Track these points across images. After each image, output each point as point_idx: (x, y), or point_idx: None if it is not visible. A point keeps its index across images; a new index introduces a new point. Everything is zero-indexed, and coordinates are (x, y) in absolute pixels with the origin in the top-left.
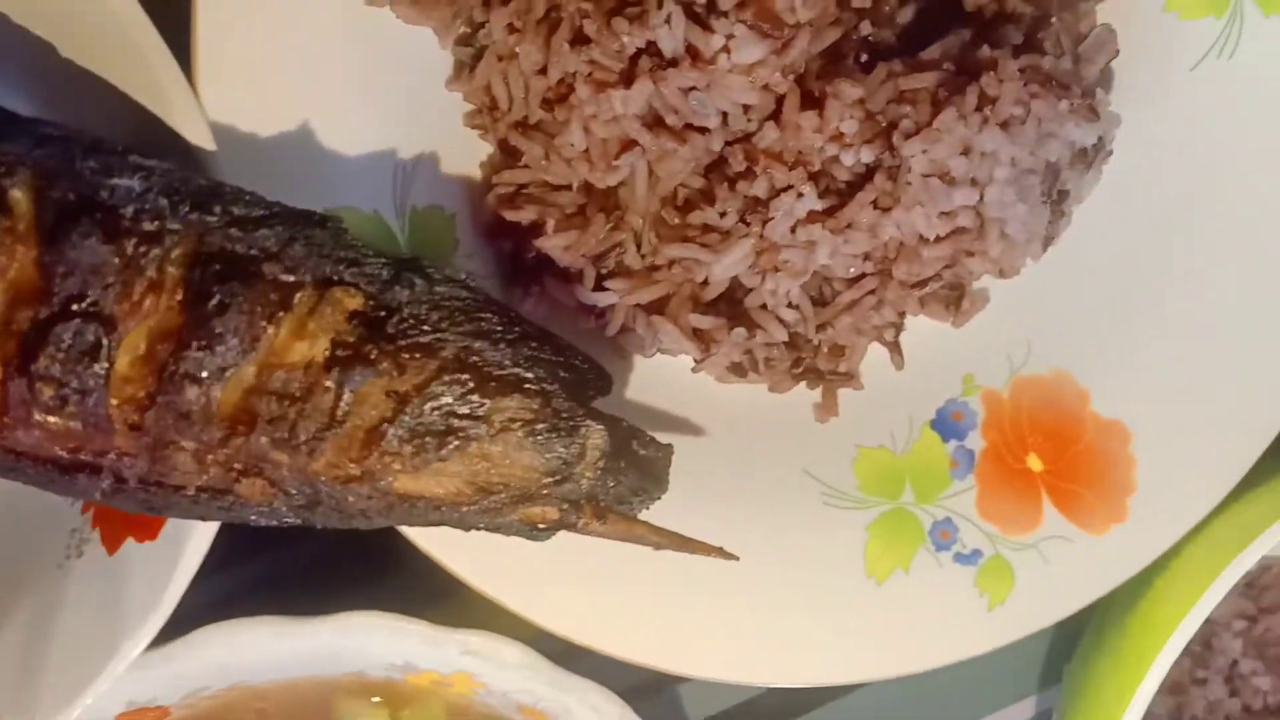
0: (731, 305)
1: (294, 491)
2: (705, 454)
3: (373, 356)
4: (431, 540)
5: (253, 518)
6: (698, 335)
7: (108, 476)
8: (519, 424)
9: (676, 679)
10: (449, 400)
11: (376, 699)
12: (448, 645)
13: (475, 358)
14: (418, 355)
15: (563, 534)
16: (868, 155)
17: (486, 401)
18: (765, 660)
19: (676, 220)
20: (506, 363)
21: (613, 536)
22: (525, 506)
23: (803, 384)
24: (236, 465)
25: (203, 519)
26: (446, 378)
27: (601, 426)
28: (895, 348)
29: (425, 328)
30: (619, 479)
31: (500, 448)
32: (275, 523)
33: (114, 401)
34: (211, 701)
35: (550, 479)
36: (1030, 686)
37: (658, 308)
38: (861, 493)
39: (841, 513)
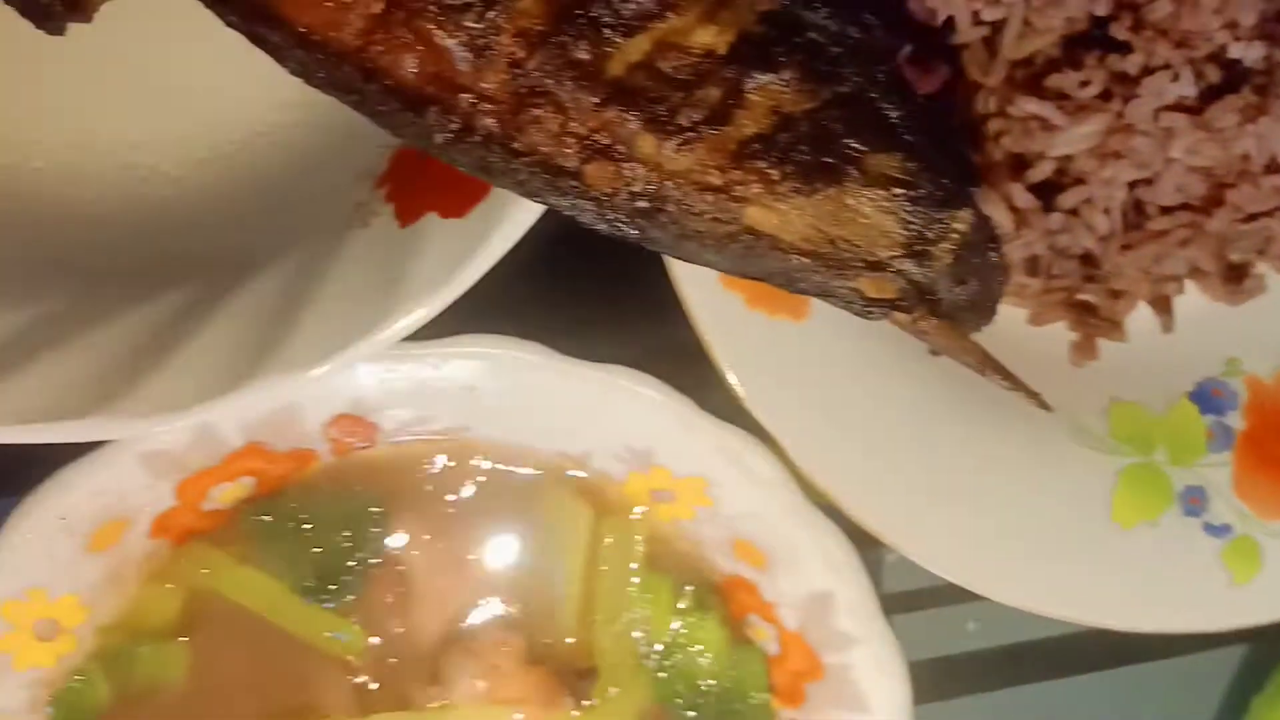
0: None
1: (640, 190)
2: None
3: (777, 62)
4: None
5: (583, 212)
6: (1013, 210)
7: (456, 121)
8: (892, 182)
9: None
10: (831, 134)
11: None
12: (703, 435)
13: (868, 103)
14: (814, 80)
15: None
16: (1255, 53)
17: (866, 150)
18: (996, 572)
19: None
20: (894, 118)
21: (937, 341)
22: (866, 275)
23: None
24: (596, 141)
25: (531, 197)
26: (836, 111)
27: (970, 212)
28: (1167, 308)
29: (824, 56)
30: (964, 281)
31: (864, 201)
32: (601, 225)
33: (508, 27)
34: (419, 445)
35: (902, 251)
36: (1211, 713)
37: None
38: (1113, 438)
39: (1091, 453)
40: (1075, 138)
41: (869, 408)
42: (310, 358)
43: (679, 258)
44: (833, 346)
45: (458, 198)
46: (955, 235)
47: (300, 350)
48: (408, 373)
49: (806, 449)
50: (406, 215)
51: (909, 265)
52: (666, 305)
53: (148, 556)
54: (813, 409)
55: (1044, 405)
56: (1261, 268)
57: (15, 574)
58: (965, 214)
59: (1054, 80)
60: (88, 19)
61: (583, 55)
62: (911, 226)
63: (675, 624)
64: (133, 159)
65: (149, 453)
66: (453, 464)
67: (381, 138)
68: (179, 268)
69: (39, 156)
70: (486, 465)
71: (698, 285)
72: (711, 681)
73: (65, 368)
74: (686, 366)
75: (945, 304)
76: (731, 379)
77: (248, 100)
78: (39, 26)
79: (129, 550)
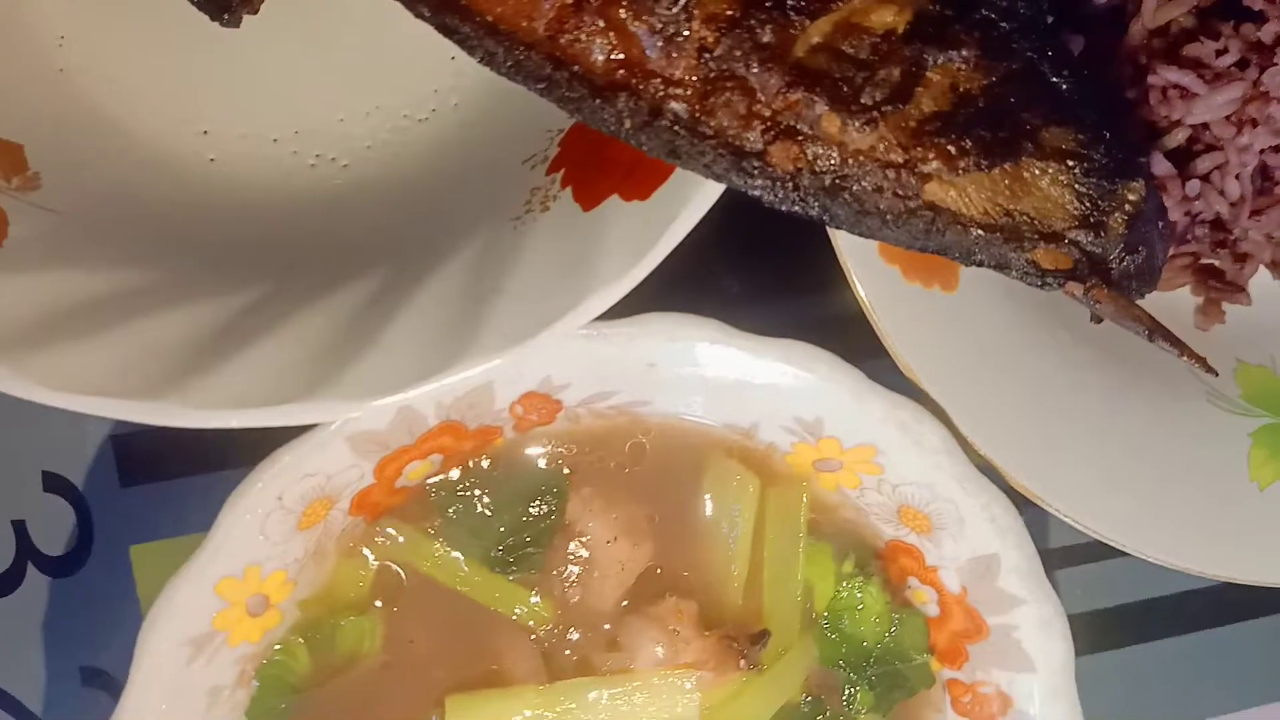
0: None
1: (824, 169)
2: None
3: (956, 40)
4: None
5: (765, 192)
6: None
7: (646, 106)
8: (1067, 155)
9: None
10: (1007, 109)
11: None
12: (874, 404)
13: (1040, 77)
14: (990, 56)
15: (991, 342)
16: None
17: (1040, 123)
18: (1143, 530)
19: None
20: (1066, 91)
21: (1107, 310)
22: (1042, 246)
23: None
24: (781, 122)
25: (715, 178)
26: (1011, 87)
27: (1142, 183)
28: None
29: (997, 32)
30: (1135, 250)
31: (1040, 174)
32: (781, 204)
33: (698, 13)
34: (596, 420)
35: (1077, 223)
36: None
37: None
38: (1244, 401)
39: (1225, 414)
40: (1213, 105)
41: (1020, 374)
42: (508, 340)
43: (856, 233)
44: (982, 315)
45: (639, 180)
46: (1129, 205)
47: (498, 334)
48: (593, 351)
49: (968, 414)
50: (588, 199)
51: (1083, 236)
52: (828, 279)
53: (345, 532)
54: (970, 375)
55: (1210, 369)
56: None
57: (234, 553)
58: (1138, 184)
59: (1191, 49)
60: (255, 10)
61: (769, 38)
62: (1086, 198)
63: (838, 589)
64: (302, 148)
65: (356, 434)
66: (628, 437)
67: (548, 123)
68: (364, 255)
69: (212, 149)
70: (660, 438)
71: (859, 259)
72: (874, 644)
73: (278, 354)
74: (849, 336)
75: (1117, 273)
76: (895, 348)
77: (407, 90)
78: (215, 19)
79: (331, 527)
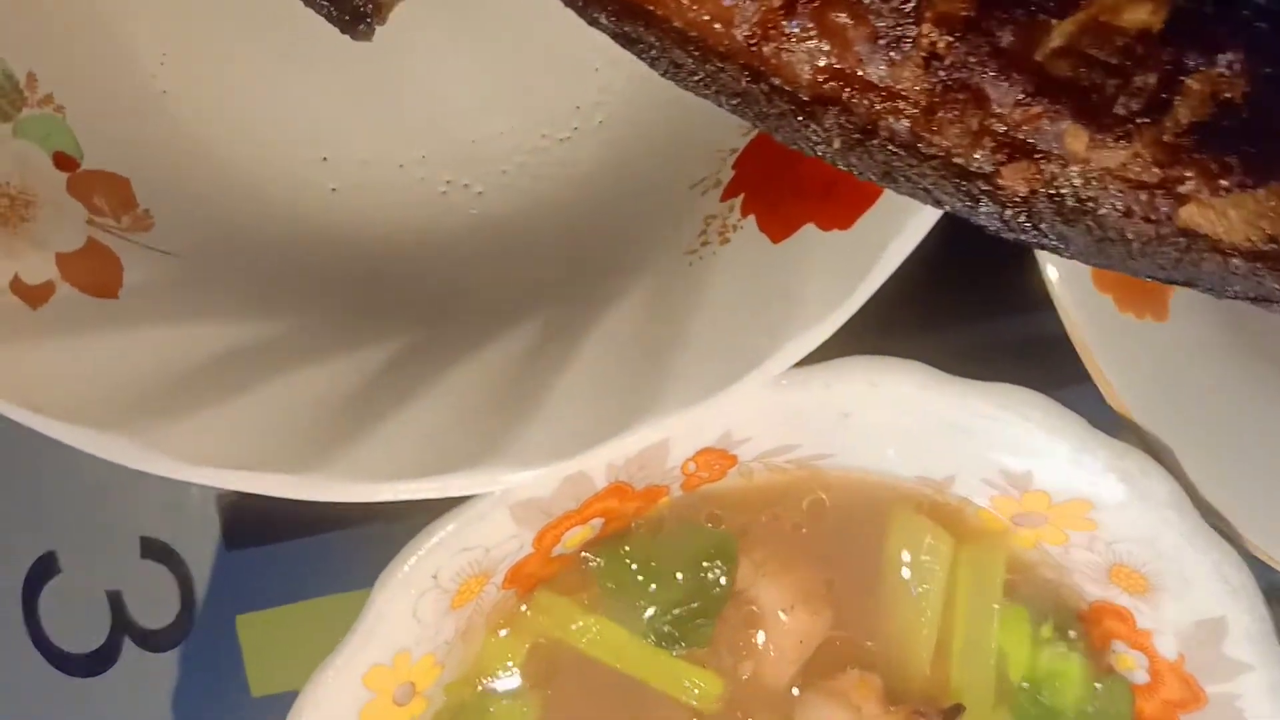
0: None
1: (1063, 193)
2: None
3: (1219, 42)
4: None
5: (989, 218)
6: None
7: (860, 122)
8: None
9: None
10: (1273, 120)
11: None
12: (1096, 455)
13: None
14: (1255, 60)
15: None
16: None
17: None
18: None
19: None
20: None
21: None
22: None
23: None
24: (1017, 138)
25: (936, 203)
26: (1274, 94)
27: None
28: None
29: (1261, 33)
30: None
31: None
32: (1006, 231)
33: (929, 14)
34: (772, 475)
35: None
36: None
37: None
38: None
39: None
40: None
41: (1245, 414)
42: (697, 394)
43: (1090, 263)
44: (1199, 346)
45: (838, 206)
46: None
47: (685, 387)
48: (784, 401)
49: (1196, 460)
50: (777, 229)
51: None
52: (1016, 301)
53: (496, 607)
54: (1191, 415)
55: None
56: None
57: (387, 638)
58: None
59: None
60: (383, 22)
61: (1008, 42)
62: None
63: (1035, 656)
64: (429, 173)
65: (520, 502)
66: (806, 493)
67: (717, 142)
68: (515, 298)
69: (333, 178)
70: (842, 493)
71: (1071, 288)
72: (1074, 717)
73: (433, 416)
74: (1045, 363)
75: None
76: (1112, 385)
77: (544, 106)
78: (346, 31)
79: (483, 603)
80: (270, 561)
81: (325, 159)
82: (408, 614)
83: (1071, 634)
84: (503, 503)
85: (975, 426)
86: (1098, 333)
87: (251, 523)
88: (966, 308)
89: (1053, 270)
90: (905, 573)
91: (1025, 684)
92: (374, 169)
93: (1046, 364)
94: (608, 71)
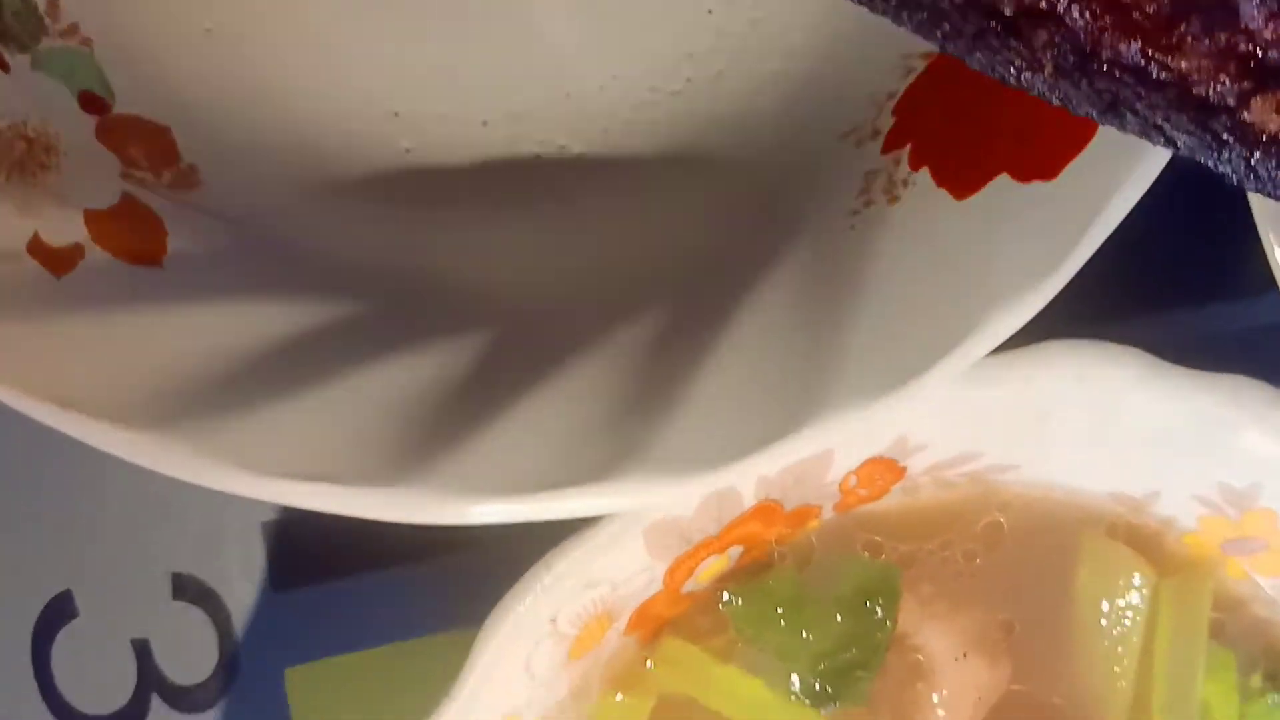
0: None
1: None
2: None
3: None
4: None
5: (1236, 167)
6: None
7: (1076, 45)
8: None
9: None
10: None
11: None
12: None
13: None
14: None
15: None
16: None
17: None
18: None
19: None
20: None
21: None
22: None
23: None
24: (1270, 62)
25: (1169, 143)
26: None
27: None
28: None
29: None
30: None
31: None
32: (1255, 183)
33: None
34: (940, 492)
35: None
36: None
37: None
38: None
39: None
40: None
41: None
42: (871, 388)
43: None
44: None
45: (1037, 151)
46: None
47: (860, 380)
48: (973, 399)
49: None
50: (960, 183)
51: None
52: (1256, 296)
53: (615, 657)
54: None
55: None
56: None
57: (494, 697)
58: None
59: None
60: None
61: None
62: None
63: (1243, 710)
64: (518, 131)
65: (655, 525)
66: (981, 515)
67: (868, 85)
68: (635, 276)
69: (406, 135)
70: (1022, 515)
71: None
72: None
73: (549, 419)
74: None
75: None
76: None
77: (652, 55)
78: None
79: (601, 653)
80: (326, 603)
81: (397, 114)
82: (521, 666)
83: None
84: (635, 526)
85: (1195, 428)
86: None
87: (303, 557)
88: (1176, 289)
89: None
90: (1096, 612)
91: None
92: (453, 126)
93: (1270, 357)
94: (723, 13)
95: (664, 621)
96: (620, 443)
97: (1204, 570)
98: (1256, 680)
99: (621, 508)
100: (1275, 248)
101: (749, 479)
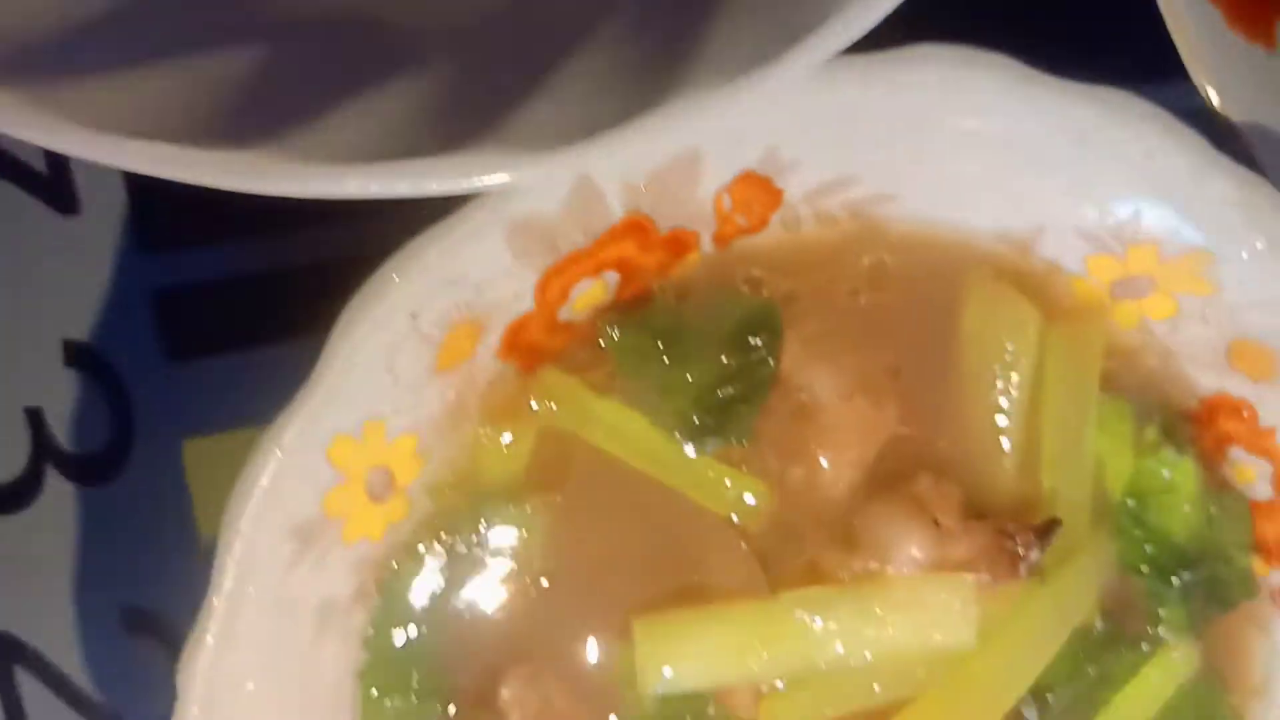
0: None
1: None
2: None
3: None
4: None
5: None
6: None
7: None
8: None
9: None
10: None
11: None
12: (1217, 186)
13: None
14: None
15: None
16: None
17: None
18: None
19: None
20: None
21: None
22: None
23: None
24: None
25: None
26: None
27: None
28: None
29: None
30: None
31: None
32: None
33: None
34: (823, 228)
35: None
36: None
37: None
38: None
39: None
40: None
41: None
42: (729, 69)
43: None
44: None
45: None
46: None
47: (715, 63)
48: (838, 102)
49: None
50: None
51: None
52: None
53: (492, 385)
54: None
55: None
56: None
57: (353, 395)
58: None
59: None
60: None
61: None
62: None
63: (1139, 465)
64: None
65: (518, 222)
66: (864, 252)
67: None
68: None
69: None
70: (907, 253)
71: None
72: (1186, 540)
73: (406, 92)
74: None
75: None
76: (1214, 99)
77: None
78: None
79: (475, 374)
80: (224, 376)
81: None
82: (381, 364)
83: (1181, 437)
84: (497, 221)
85: (1071, 149)
86: (1201, 42)
87: (201, 324)
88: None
89: None
90: (983, 357)
91: (1129, 500)
92: None
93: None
94: None
95: (543, 353)
96: (474, 119)
97: (1094, 315)
98: (1152, 434)
99: (473, 184)
100: None
101: (612, 181)
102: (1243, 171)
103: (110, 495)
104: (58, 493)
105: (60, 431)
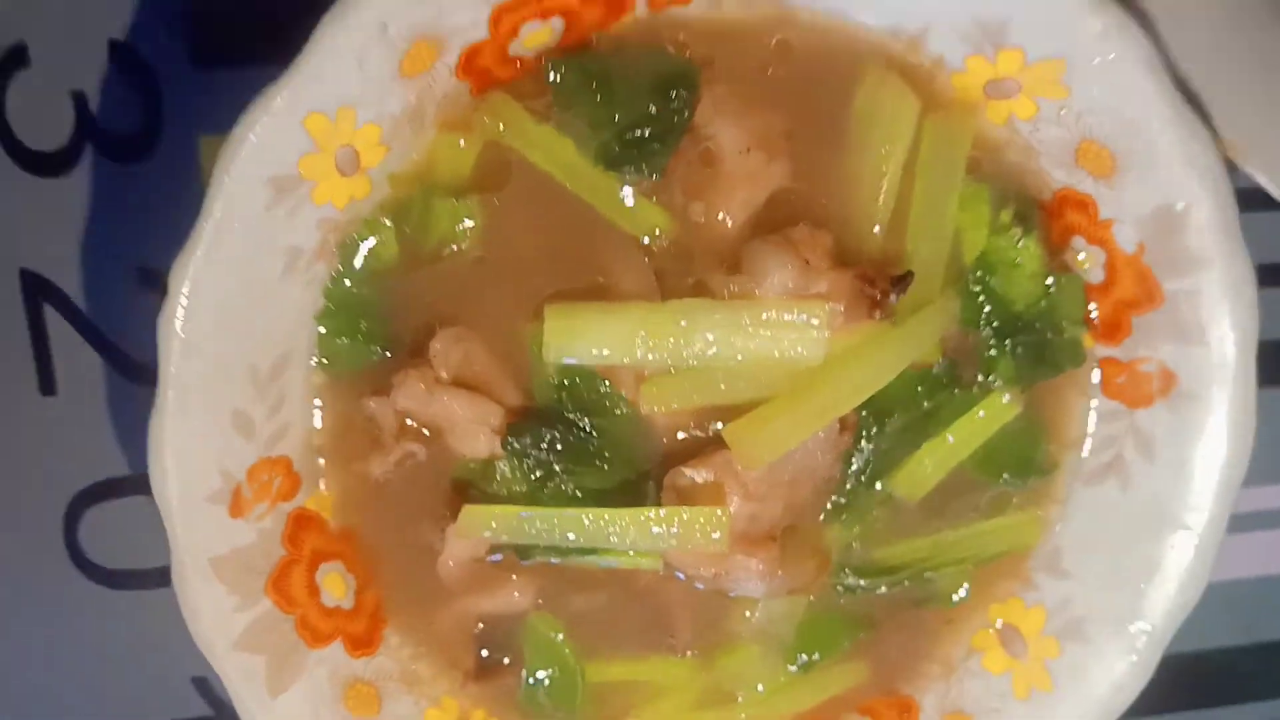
0: None
1: None
2: None
3: None
4: None
5: None
6: None
7: None
8: None
9: None
10: None
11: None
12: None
13: None
14: None
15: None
16: None
17: None
18: None
19: None
20: None
21: None
22: None
23: None
24: None
25: None
26: None
27: None
28: None
29: None
30: None
31: None
32: None
33: None
34: (741, 8)
35: None
36: None
37: None
38: None
39: None
40: None
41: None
42: None
43: None
44: None
45: None
46: None
47: None
48: None
49: (1184, 35)
50: None
51: None
52: None
53: (448, 98)
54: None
55: None
56: None
57: (329, 81)
58: None
59: None
60: None
61: None
62: None
63: (992, 241)
64: None
65: None
66: (775, 31)
67: None
68: None
69: None
70: (811, 37)
71: None
72: (1024, 308)
73: None
74: None
75: None
76: None
77: None
78: None
79: (434, 85)
80: (243, 84)
81: None
82: (353, 59)
83: (1031, 222)
84: None
85: None
86: None
87: (226, 38)
88: None
89: None
90: (867, 132)
91: (977, 268)
92: None
93: None
94: None
95: (495, 79)
96: None
97: (968, 109)
98: (1006, 216)
99: None
100: None
101: None
102: None
103: (135, 173)
104: (93, 164)
105: (99, 114)
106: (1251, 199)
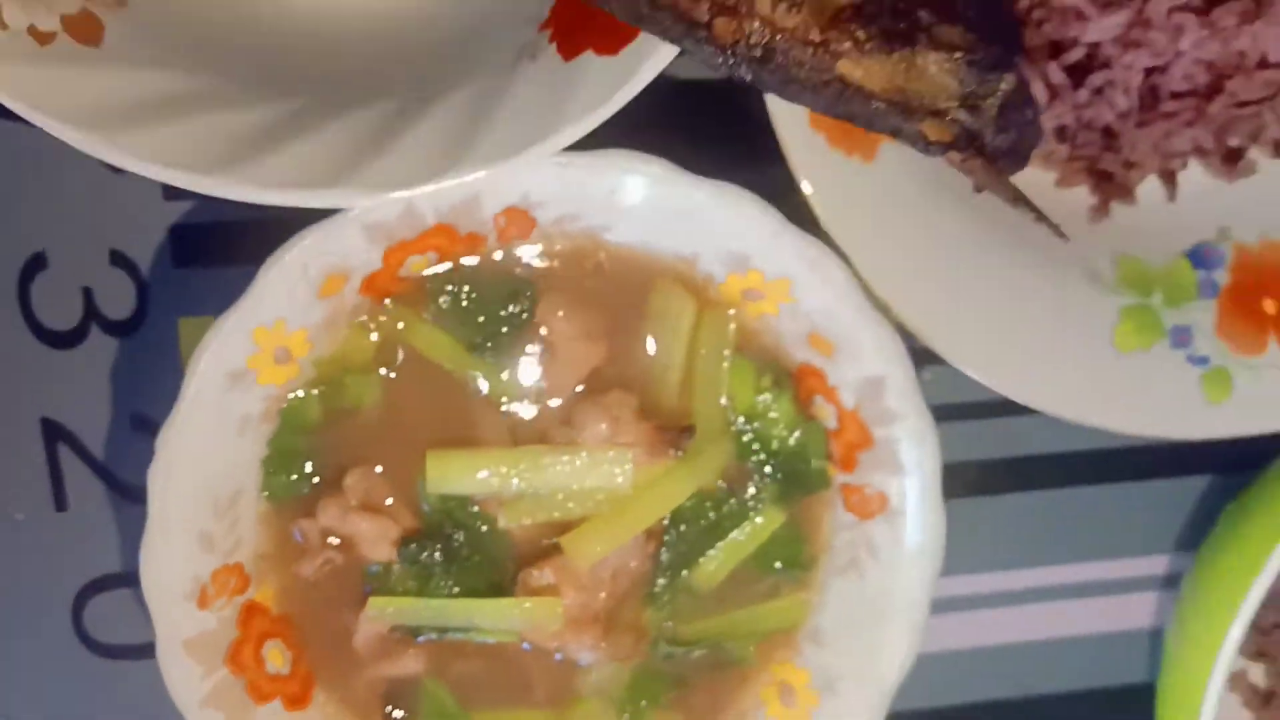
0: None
1: (756, 41)
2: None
3: None
4: (805, 171)
5: (709, 57)
6: (1048, 85)
7: None
8: (954, 48)
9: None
10: (908, 7)
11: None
12: (790, 243)
13: None
14: None
15: (899, 206)
16: None
17: (935, 21)
18: (1015, 375)
19: None
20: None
21: (981, 178)
22: (929, 120)
23: (1080, 189)
24: (724, 1)
25: (671, 42)
26: None
27: (1013, 76)
28: (1172, 180)
29: None
30: (1005, 130)
31: (931, 62)
32: (723, 68)
33: None
34: (566, 240)
35: (958, 103)
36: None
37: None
38: (1119, 283)
39: (1099, 293)
40: (1103, 27)
41: (920, 233)
42: (496, 155)
43: (784, 98)
44: (894, 184)
45: (612, 39)
46: (1000, 92)
47: (488, 149)
48: (564, 175)
49: (868, 261)
50: (568, 52)
51: (962, 114)
52: (765, 140)
53: (355, 308)
54: (875, 231)
55: (1061, 234)
56: (1254, 152)
57: (268, 305)
58: (1010, 77)
59: None
60: None
61: None
62: (966, 84)
63: (756, 400)
64: None
65: (369, 223)
66: (591, 256)
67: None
68: (388, 80)
69: None
70: (617, 259)
71: (790, 125)
72: (781, 447)
73: (311, 150)
74: (779, 190)
75: (989, 148)
76: (813, 203)
77: None
78: None
79: (344, 301)
80: (210, 280)
81: None
82: (284, 291)
83: (784, 386)
84: (357, 220)
85: (706, 214)
86: (807, 161)
87: (198, 246)
88: (713, 125)
89: (776, 107)
90: (660, 325)
91: (746, 419)
92: None
93: (770, 173)
94: None
95: (389, 292)
96: (349, 167)
97: (728, 307)
98: (766, 381)
99: (344, 204)
100: (776, 116)
101: (426, 204)
102: (805, 235)
103: (129, 346)
104: (97, 341)
105: (103, 304)
106: (934, 356)
